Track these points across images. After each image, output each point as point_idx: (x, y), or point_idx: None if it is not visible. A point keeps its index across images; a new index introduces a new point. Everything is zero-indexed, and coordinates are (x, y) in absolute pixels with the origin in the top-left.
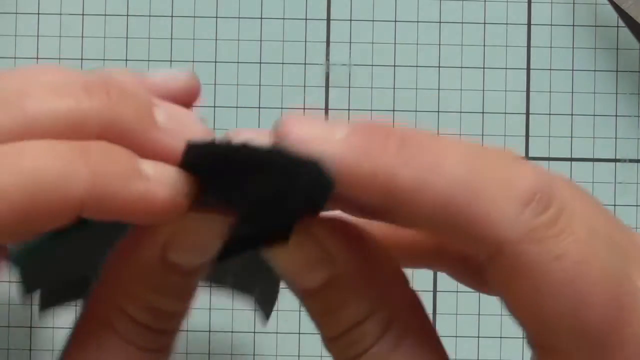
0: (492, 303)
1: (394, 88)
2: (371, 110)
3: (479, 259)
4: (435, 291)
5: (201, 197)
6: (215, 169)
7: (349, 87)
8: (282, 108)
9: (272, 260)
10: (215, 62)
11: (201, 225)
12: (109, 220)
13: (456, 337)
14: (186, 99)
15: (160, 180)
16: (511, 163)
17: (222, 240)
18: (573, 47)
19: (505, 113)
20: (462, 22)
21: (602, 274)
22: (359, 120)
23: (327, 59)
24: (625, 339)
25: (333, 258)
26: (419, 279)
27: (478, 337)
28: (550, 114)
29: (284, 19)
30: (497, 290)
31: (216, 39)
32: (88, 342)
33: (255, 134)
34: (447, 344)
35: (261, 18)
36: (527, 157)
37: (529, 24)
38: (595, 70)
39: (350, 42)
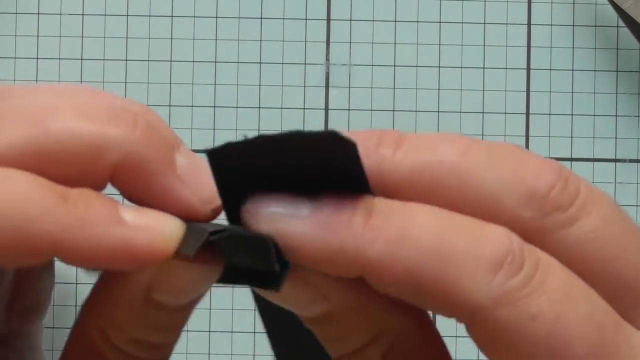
0: None
1: (394, 88)
2: (371, 110)
3: (459, 322)
4: None
5: (188, 246)
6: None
7: (349, 87)
8: (282, 108)
9: (268, 297)
10: (215, 62)
11: (185, 272)
12: (91, 266)
13: (456, 337)
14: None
15: (139, 226)
16: (481, 227)
17: (208, 287)
18: (573, 47)
19: (505, 113)
20: (462, 22)
21: (579, 327)
22: (325, 195)
23: (327, 59)
24: None
25: (326, 296)
26: None
27: None
28: (550, 114)
29: (284, 19)
30: (481, 349)
31: (216, 39)
32: None
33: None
34: (448, 344)
35: (261, 18)
36: None
37: (529, 24)
38: (595, 70)
39: (350, 42)
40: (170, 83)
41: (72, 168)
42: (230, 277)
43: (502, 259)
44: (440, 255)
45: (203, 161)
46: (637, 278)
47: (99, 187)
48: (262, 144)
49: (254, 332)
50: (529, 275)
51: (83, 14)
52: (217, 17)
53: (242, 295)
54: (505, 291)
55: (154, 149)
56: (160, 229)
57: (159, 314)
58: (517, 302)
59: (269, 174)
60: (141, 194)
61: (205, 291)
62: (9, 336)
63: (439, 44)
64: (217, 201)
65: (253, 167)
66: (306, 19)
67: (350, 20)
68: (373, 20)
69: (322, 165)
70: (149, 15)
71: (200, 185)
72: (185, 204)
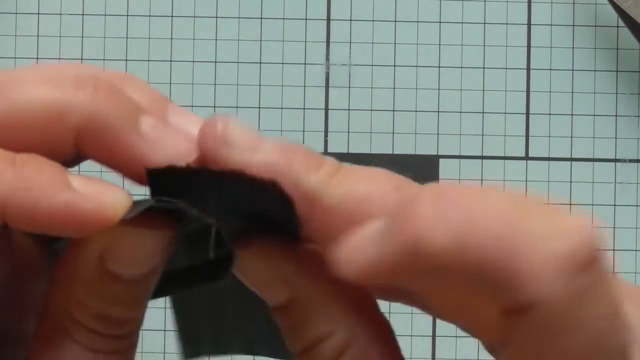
0: None
1: (394, 88)
2: (371, 110)
3: (488, 319)
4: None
5: (137, 211)
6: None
7: (349, 87)
8: (282, 108)
9: (238, 275)
10: (215, 62)
11: (136, 238)
12: (37, 231)
13: (456, 337)
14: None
15: (87, 193)
16: (553, 216)
17: (162, 255)
18: (573, 47)
19: (505, 113)
20: (462, 22)
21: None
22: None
23: (327, 59)
24: None
25: (290, 281)
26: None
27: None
28: (550, 114)
29: (284, 19)
30: (515, 348)
31: (216, 39)
32: (45, 346)
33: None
34: (448, 344)
35: (261, 18)
36: (527, 157)
37: (529, 24)
38: (595, 70)
39: (350, 42)
40: (170, 83)
41: (37, 135)
42: (178, 280)
43: (574, 254)
44: (510, 242)
45: (185, 118)
46: None
47: (65, 154)
48: (203, 174)
49: None
50: (596, 276)
51: (83, 14)
52: (217, 17)
53: None
54: (575, 287)
55: (116, 111)
56: (106, 196)
57: (115, 286)
58: (582, 298)
59: (202, 203)
60: (107, 156)
61: (160, 263)
62: (7, 337)
63: (439, 44)
64: (186, 160)
65: (188, 193)
66: (306, 19)
67: (350, 20)
68: (373, 20)
69: (257, 207)
70: (149, 15)
71: (166, 144)
72: (149, 162)
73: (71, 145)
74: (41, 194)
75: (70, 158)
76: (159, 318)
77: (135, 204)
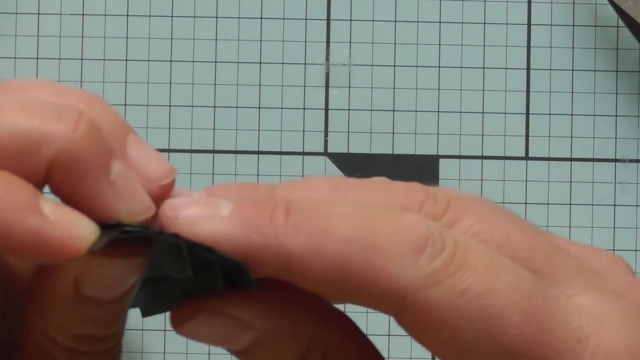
0: None
1: (394, 88)
2: (371, 110)
3: (389, 313)
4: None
5: (104, 241)
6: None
7: (349, 87)
8: (282, 108)
9: (189, 336)
10: (215, 62)
11: (108, 267)
12: (6, 252)
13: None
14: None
15: (57, 221)
16: (399, 215)
17: (138, 275)
18: (573, 47)
19: (505, 113)
20: (462, 22)
21: (509, 296)
22: (243, 194)
23: (327, 59)
24: (550, 350)
25: (250, 325)
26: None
27: None
28: (550, 114)
29: (284, 19)
30: (415, 338)
31: (216, 39)
32: None
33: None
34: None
35: (261, 18)
36: (527, 157)
37: (529, 24)
38: (595, 70)
39: (350, 42)
40: (170, 83)
41: (10, 161)
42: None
43: (424, 242)
44: (364, 244)
45: (143, 151)
46: (533, 249)
47: (36, 185)
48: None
49: None
50: (451, 254)
51: (83, 14)
52: (217, 17)
53: None
54: (432, 271)
55: (92, 150)
56: (75, 227)
57: (93, 308)
58: (444, 280)
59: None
60: (72, 193)
61: (136, 282)
62: (8, 346)
63: (439, 44)
64: (147, 214)
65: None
66: (306, 19)
67: (350, 20)
68: (373, 20)
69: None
70: (149, 15)
71: (132, 195)
72: (111, 210)
73: (42, 176)
74: (9, 215)
75: (39, 188)
76: (159, 318)
77: (103, 231)
